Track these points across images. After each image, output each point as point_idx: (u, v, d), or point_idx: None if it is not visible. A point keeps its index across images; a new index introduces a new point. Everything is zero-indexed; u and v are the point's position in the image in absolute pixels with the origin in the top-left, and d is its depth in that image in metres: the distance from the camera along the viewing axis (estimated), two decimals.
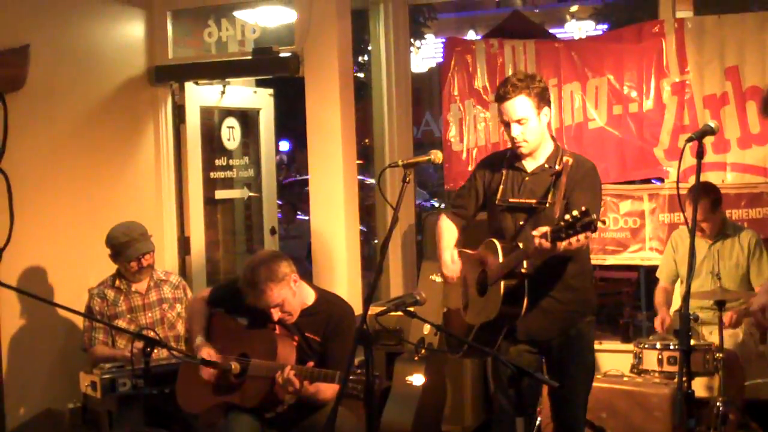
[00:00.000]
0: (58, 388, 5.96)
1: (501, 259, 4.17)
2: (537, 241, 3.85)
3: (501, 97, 4.31)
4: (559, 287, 4.33)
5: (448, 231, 4.58)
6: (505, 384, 4.38)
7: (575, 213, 3.72)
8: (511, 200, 4.38)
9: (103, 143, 6.58)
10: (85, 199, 6.37)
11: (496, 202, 4.42)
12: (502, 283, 4.14)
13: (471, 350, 4.42)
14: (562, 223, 3.75)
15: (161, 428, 5.10)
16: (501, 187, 4.42)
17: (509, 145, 4.47)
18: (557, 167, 4.31)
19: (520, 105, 4.25)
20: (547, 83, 4.55)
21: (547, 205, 4.24)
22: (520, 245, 4.13)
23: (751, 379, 5.81)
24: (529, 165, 4.40)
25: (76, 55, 6.41)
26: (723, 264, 5.91)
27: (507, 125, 4.32)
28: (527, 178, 4.38)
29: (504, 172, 4.44)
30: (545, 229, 3.84)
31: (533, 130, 4.29)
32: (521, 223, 4.33)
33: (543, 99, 4.31)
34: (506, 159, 4.48)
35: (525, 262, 4.09)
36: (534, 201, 4.31)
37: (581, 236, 3.76)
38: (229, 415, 4.64)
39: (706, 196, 5.74)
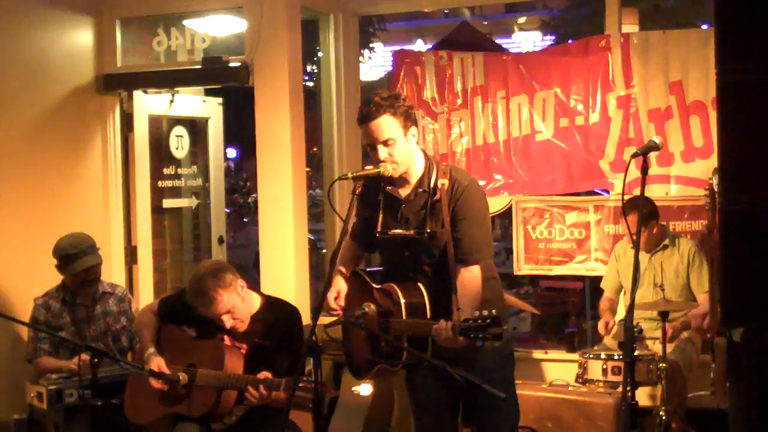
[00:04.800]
0: (3, 399, 5.88)
1: (404, 317, 3.96)
2: (444, 334, 3.73)
3: (364, 117, 3.94)
4: None
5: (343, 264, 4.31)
6: (440, 400, 4.21)
7: (487, 317, 3.62)
8: (390, 232, 4.09)
9: (51, 151, 6.52)
10: (31, 207, 6.31)
11: (377, 234, 4.14)
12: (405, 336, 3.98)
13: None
14: (471, 322, 3.64)
15: None
16: (380, 217, 4.13)
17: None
18: (435, 195, 4.02)
19: (386, 125, 3.91)
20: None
21: (426, 235, 4.00)
22: (422, 289, 4.00)
23: (692, 387, 5.89)
24: (403, 190, 4.10)
25: (23, 62, 6.35)
26: (665, 275, 6.00)
27: (372, 148, 3.97)
28: (403, 206, 4.09)
29: (381, 199, 4.14)
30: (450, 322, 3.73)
31: (401, 151, 3.95)
32: (406, 254, 4.09)
33: (409, 118, 3.97)
34: (379, 184, 4.13)
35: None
36: (412, 232, 4.04)
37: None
38: (177, 425, 4.65)
39: (636, 210, 5.77)
